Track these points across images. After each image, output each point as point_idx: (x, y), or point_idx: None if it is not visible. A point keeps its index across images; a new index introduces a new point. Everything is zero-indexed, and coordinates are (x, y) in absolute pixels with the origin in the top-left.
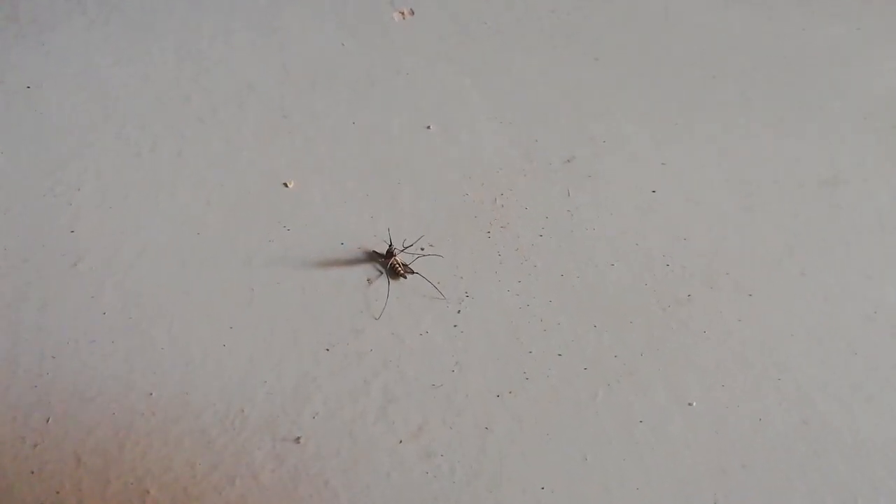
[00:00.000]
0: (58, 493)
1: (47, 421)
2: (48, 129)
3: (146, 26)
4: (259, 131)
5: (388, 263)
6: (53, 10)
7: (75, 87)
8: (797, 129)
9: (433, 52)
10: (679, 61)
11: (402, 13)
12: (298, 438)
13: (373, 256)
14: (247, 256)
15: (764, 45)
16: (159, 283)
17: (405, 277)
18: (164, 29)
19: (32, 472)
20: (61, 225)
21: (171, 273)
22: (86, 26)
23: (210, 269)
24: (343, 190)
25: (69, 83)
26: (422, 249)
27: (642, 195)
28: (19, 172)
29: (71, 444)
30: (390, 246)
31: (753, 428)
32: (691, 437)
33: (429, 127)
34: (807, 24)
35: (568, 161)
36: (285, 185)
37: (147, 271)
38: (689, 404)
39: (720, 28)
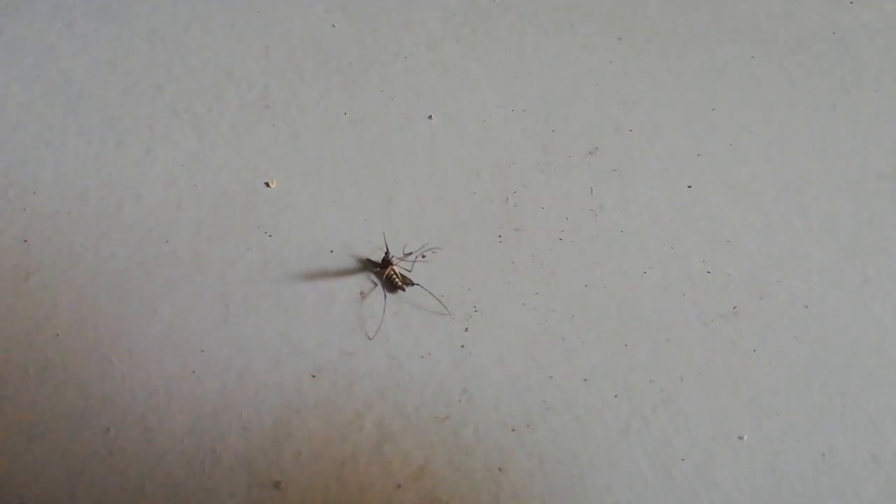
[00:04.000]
0: None
1: None
2: (3, 126)
3: (115, 10)
4: (238, 125)
5: (384, 274)
6: None
7: (34, 79)
8: (851, 115)
9: (435, 32)
10: (714, 40)
11: None
12: (278, 483)
13: (367, 266)
14: (221, 268)
15: (808, 20)
16: (121, 300)
17: (404, 290)
18: (134, 13)
19: None
20: (13, 233)
21: (135, 288)
22: (49, 12)
23: (179, 282)
24: (333, 190)
25: (28, 74)
26: (423, 257)
27: (676, 191)
28: None
29: (15, 490)
30: (387, 254)
31: (815, 465)
32: (742, 477)
33: (431, 117)
34: None
35: (590, 153)
36: (267, 184)
37: (108, 286)
38: (739, 438)
39: (760, 1)
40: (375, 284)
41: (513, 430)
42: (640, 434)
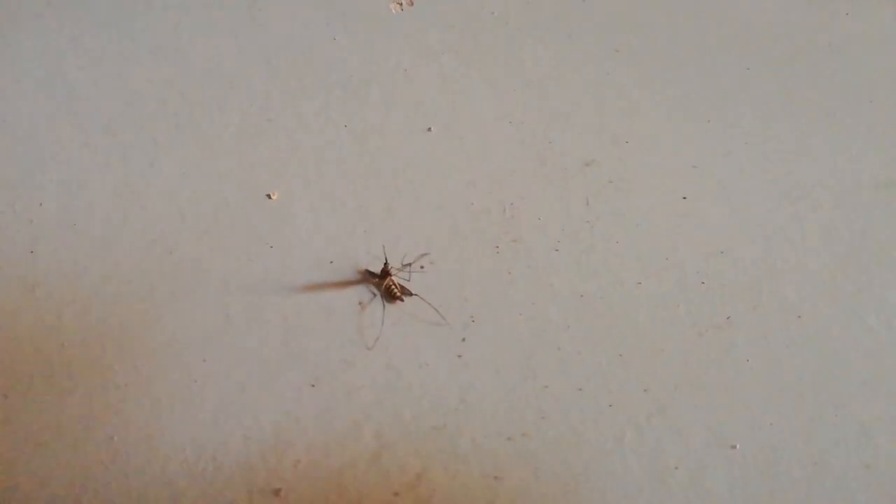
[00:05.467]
0: None
1: None
2: (10, 139)
3: (120, 24)
4: (240, 137)
5: (383, 284)
6: (21, 9)
7: (41, 92)
8: (847, 126)
9: (435, 45)
10: (710, 51)
11: (401, 4)
12: (278, 491)
13: (366, 277)
14: (223, 278)
15: (805, 32)
16: (125, 311)
17: (402, 300)
18: (139, 27)
19: None
20: (20, 245)
21: (139, 299)
22: (55, 27)
23: (182, 293)
24: (333, 201)
25: (34, 88)
26: (422, 267)
27: (672, 202)
28: None
29: (20, 499)
30: (386, 264)
31: (808, 474)
32: (735, 486)
33: (430, 129)
34: (851, 9)
35: (587, 165)
36: (268, 196)
37: (112, 297)
38: (733, 447)
39: (756, 13)
40: (374, 295)
41: (509, 438)
42: (635, 443)
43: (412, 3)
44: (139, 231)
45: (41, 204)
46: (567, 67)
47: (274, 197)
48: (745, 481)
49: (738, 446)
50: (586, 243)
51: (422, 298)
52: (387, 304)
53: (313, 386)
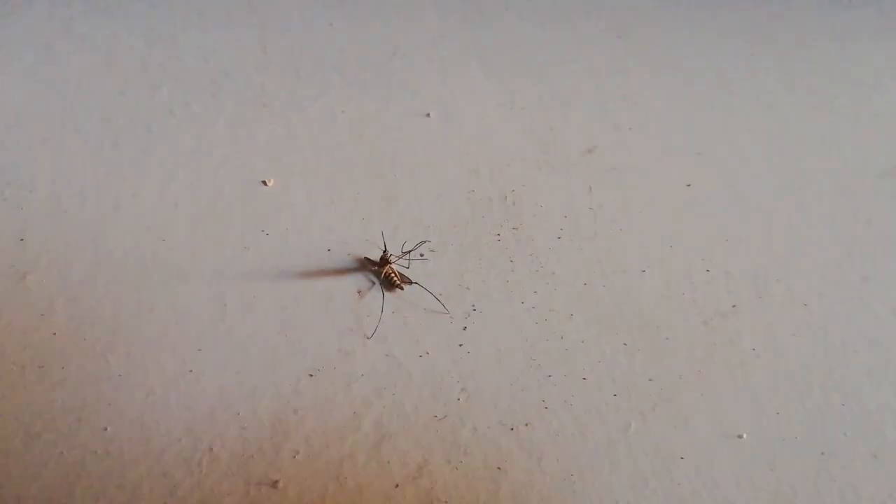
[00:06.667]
0: None
1: None
2: (0, 125)
3: (112, 9)
4: (235, 123)
5: (382, 273)
6: None
7: (32, 78)
8: (851, 113)
9: (433, 29)
10: (713, 37)
11: None
12: (276, 482)
13: (365, 265)
14: (219, 266)
15: (808, 18)
16: (118, 299)
17: (402, 289)
18: (131, 11)
19: None
20: (10, 232)
21: (132, 287)
22: (46, 12)
23: (176, 281)
24: (330, 188)
25: (25, 73)
26: (421, 255)
27: (676, 190)
28: None
29: (12, 490)
30: (385, 252)
31: (815, 464)
32: (742, 476)
33: (429, 114)
34: None
35: (589, 152)
36: (264, 183)
37: (104, 285)
38: (739, 437)
39: (759, 0)
40: (373, 283)
41: (511, 429)
42: (640, 433)
43: None
44: (132, 218)
45: (32, 191)
46: (569, 53)
47: (270, 184)
48: (752, 471)
49: (744, 436)
50: (589, 231)
51: (422, 287)
52: (386, 293)
53: (311, 376)
